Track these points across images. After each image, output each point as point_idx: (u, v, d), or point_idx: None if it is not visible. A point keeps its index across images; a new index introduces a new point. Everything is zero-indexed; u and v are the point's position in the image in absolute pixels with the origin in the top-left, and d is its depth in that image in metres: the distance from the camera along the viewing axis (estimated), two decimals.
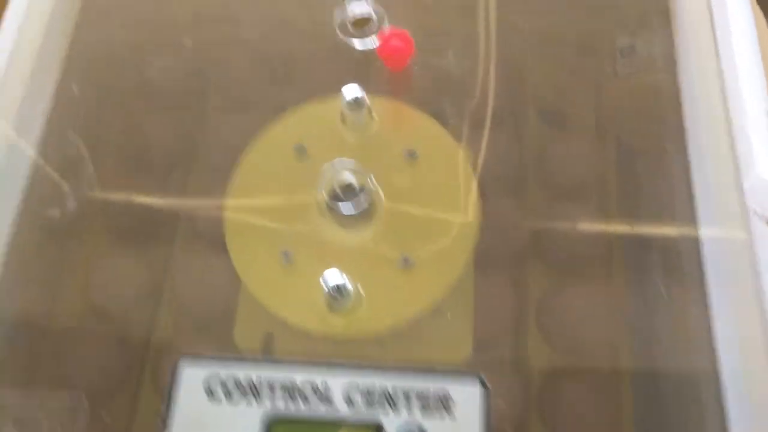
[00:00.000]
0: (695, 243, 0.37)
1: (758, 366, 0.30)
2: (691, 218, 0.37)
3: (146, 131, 0.45)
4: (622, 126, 0.46)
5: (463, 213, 0.36)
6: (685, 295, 0.37)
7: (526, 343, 0.41)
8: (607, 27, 0.48)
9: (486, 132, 0.39)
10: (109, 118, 0.45)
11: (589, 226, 0.43)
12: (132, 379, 0.39)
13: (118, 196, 0.44)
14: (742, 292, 0.32)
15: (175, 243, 0.42)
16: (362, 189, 0.35)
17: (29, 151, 0.40)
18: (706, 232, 0.36)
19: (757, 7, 0.41)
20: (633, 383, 0.39)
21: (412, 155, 0.38)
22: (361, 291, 0.35)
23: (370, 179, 0.36)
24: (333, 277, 0.33)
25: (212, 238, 0.38)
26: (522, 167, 0.45)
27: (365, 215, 0.36)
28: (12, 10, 0.40)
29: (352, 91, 0.37)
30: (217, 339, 0.39)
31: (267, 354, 0.36)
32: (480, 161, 0.38)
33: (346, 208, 0.35)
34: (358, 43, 0.39)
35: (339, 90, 0.38)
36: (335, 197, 0.35)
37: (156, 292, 0.41)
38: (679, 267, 0.38)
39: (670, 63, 0.44)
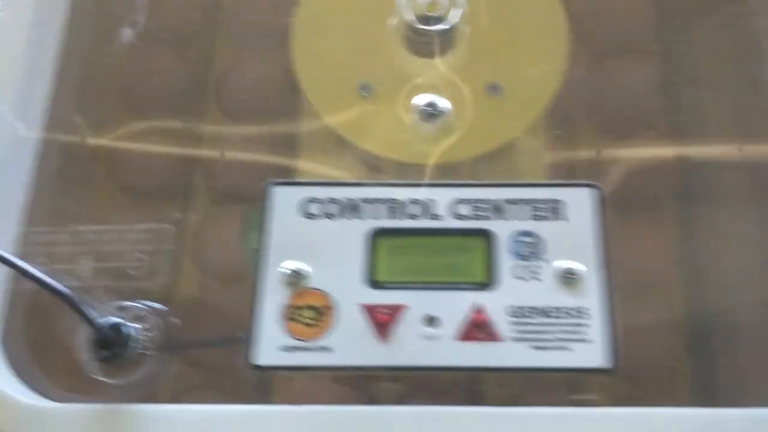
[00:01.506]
0: None
1: None
2: None
3: None
4: None
5: (552, 36, 0.35)
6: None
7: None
8: None
9: None
10: None
11: None
12: None
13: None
14: None
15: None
16: (449, 8, 0.33)
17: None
18: None
19: None
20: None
21: None
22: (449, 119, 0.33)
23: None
24: (424, 96, 0.32)
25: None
26: None
27: (450, 39, 0.34)
28: None
29: None
30: None
31: None
32: None
33: (431, 28, 0.33)
34: None
35: None
36: (422, 19, 0.33)
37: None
38: None
39: None
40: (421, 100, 0.32)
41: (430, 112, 0.31)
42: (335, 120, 0.34)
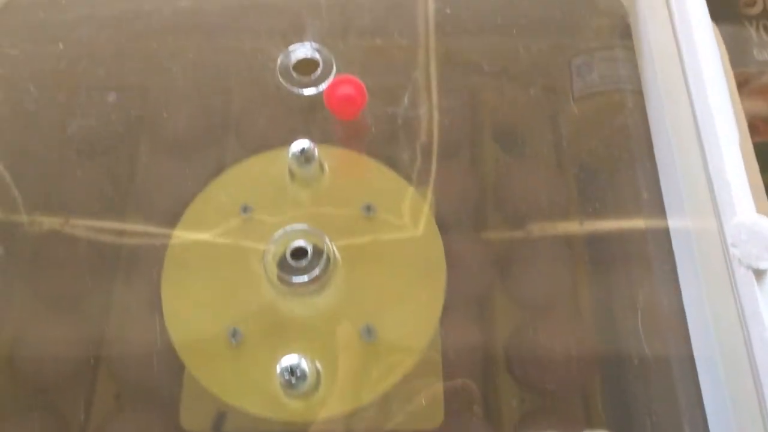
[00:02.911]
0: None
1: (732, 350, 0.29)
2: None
3: (74, 191, 0.41)
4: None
5: (429, 274, 0.33)
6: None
7: (496, 392, 0.37)
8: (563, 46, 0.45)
9: (433, 174, 0.36)
10: (33, 184, 0.41)
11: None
12: None
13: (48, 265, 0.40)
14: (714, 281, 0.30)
15: (110, 315, 0.38)
16: (317, 255, 0.32)
17: None
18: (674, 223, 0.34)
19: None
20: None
21: (369, 209, 0.35)
22: (320, 368, 0.31)
23: (327, 242, 0.32)
24: (287, 359, 0.30)
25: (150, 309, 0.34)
26: (482, 201, 0.42)
27: (321, 282, 0.33)
28: None
29: (300, 144, 0.33)
30: (163, 423, 0.34)
31: None
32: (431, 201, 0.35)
33: (298, 278, 0.31)
34: (303, 90, 0.35)
35: (285, 142, 0.35)
36: (286, 267, 0.32)
37: (91, 370, 0.37)
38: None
39: (632, 82, 0.42)
40: (285, 361, 0.30)
41: (295, 377, 0.29)
42: (203, 376, 0.32)
